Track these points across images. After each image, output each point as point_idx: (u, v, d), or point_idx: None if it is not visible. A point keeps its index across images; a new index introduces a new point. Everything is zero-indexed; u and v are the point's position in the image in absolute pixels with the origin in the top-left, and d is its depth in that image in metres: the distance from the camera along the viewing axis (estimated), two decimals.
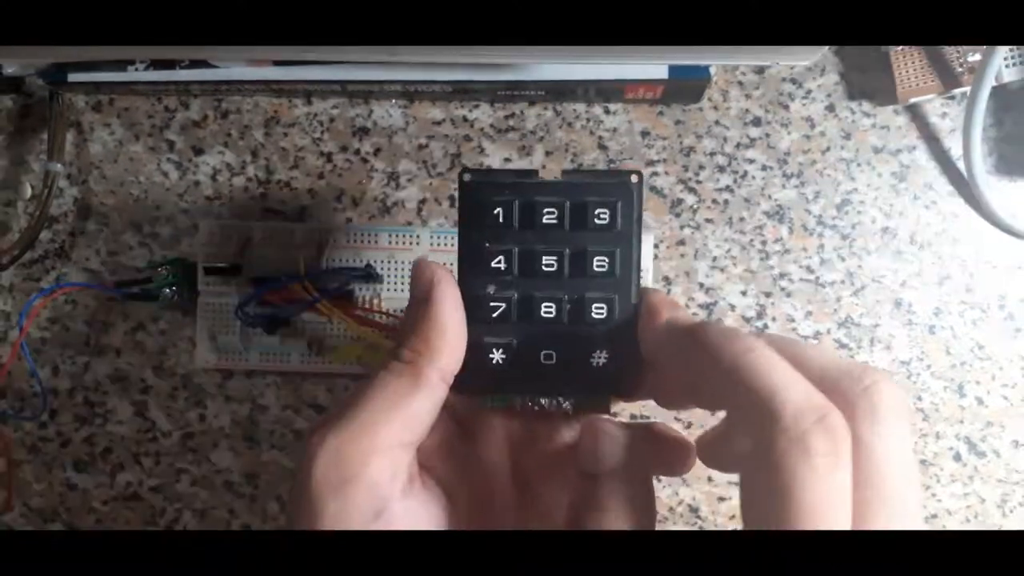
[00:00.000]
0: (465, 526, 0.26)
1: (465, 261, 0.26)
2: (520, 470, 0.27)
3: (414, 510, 0.24)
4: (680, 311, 0.25)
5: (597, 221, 0.26)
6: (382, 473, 0.23)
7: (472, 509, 0.26)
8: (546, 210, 0.26)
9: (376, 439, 0.23)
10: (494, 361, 0.26)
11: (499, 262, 0.26)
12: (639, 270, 0.26)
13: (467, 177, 0.26)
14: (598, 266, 0.26)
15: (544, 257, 0.26)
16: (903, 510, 0.20)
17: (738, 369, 0.20)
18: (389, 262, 0.36)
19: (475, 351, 0.26)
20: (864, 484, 0.19)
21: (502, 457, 0.27)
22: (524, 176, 0.26)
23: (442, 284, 0.25)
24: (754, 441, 0.20)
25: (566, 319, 0.26)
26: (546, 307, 0.26)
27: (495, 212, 0.26)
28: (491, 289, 0.26)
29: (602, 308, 0.26)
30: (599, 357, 0.26)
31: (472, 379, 0.26)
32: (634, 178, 0.26)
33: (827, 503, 0.19)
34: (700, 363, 0.22)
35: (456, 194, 0.37)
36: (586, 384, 0.26)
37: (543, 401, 0.27)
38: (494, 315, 0.26)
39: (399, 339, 0.25)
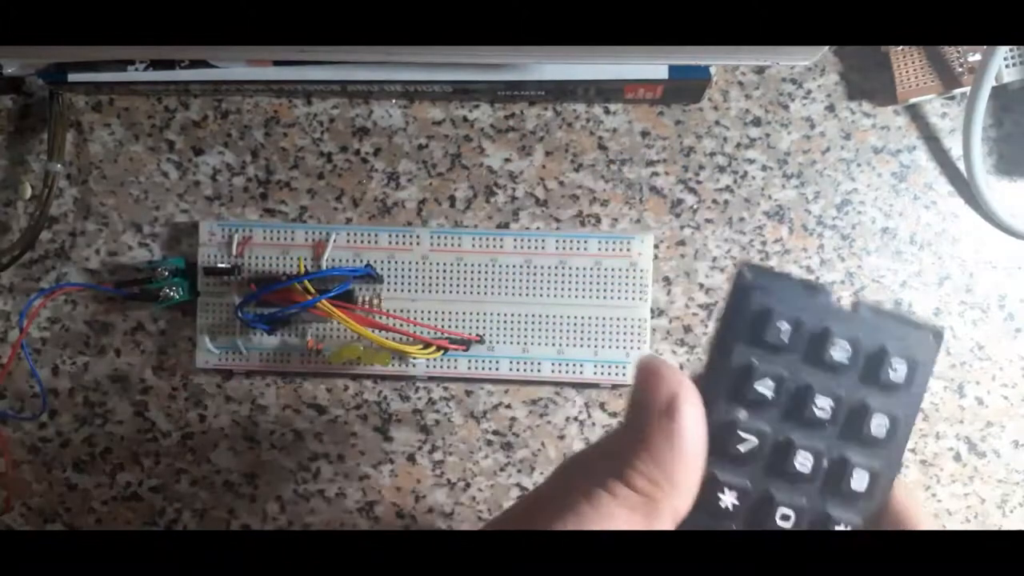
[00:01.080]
0: None
1: (719, 373, 0.21)
2: None
3: None
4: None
5: (891, 376, 0.21)
6: None
7: None
8: (839, 342, 0.21)
9: None
10: (723, 505, 0.21)
11: (765, 387, 0.21)
12: (904, 448, 0.22)
13: (749, 275, 0.21)
14: (876, 429, 0.21)
15: (818, 397, 0.21)
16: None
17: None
18: (389, 262, 0.36)
19: (704, 485, 0.21)
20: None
21: None
22: (816, 293, 0.21)
23: (689, 403, 0.20)
24: None
25: (819, 479, 0.21)
26: (802, 459, 0.21)
27: (780, 328, 0.21)
28: (743, 416, 0.21)
29: (863, 477, 0.21)
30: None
31: (690, 518, 0.21)
32: (933, 337, 0.21)
33: None
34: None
35: (456, 194, 0.37)
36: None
37: None
38: (739, 448, 0.21)
39: (627, 457, 0.20)
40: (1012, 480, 0.37)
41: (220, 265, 0.36)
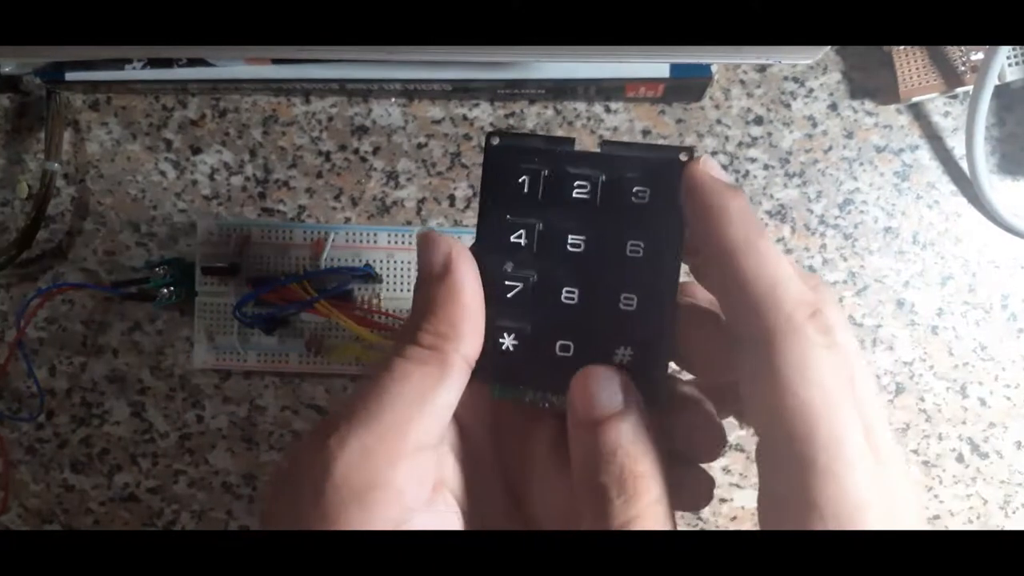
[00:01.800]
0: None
1: (482, 233, 0.23)
2: (511, 477, 0.25)
3: (434, 525, 0.22)
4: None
5: (634, 200, 0.23)
6: (409, 479, 0.21)
7: (471, 520, 0.24)
8: (577, 183, 0.23)
9: (405, 440, 0.20)
10: (504, 347, 0.23)
11: (519, 237, 0.23)
12: (680, 262, 0.23)
13: (495, 140, 0.23)
14: (631, 251, 0.23)
15: (571, 236, 0.23)
16: (872, 384, 0.21)
17: (746, 253, 0.21)
18: (388, 262, 0.36)
19: (486, 334, 0.23)
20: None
21: (490, 458, 0.25)
22: (557, 144, 0.23)
23: (461, 258, 0.22)
24: (753, 327, 0.20)
25: (589, 307, 0.23)
26: (568, 292, 0.23)
27: (520, 181, 0.23)
28: (508, 267, 0.23)
29: (631, 299, 0.23)
30: (623, 354, 0.23)
31: (479, 365, 0.23)
32: (683, 155, 0.22)
33: (830, 379, 0.19)
34: (714, 229, 0.21)
35: (455, 193, 0.37)
36: None
37: (554, 399, 0.23)
38: (509, 295, 0.23)
39: (415, 321, 0.22)
40: (1015, 481, 0.37)
41: (218, 265, 0.36)
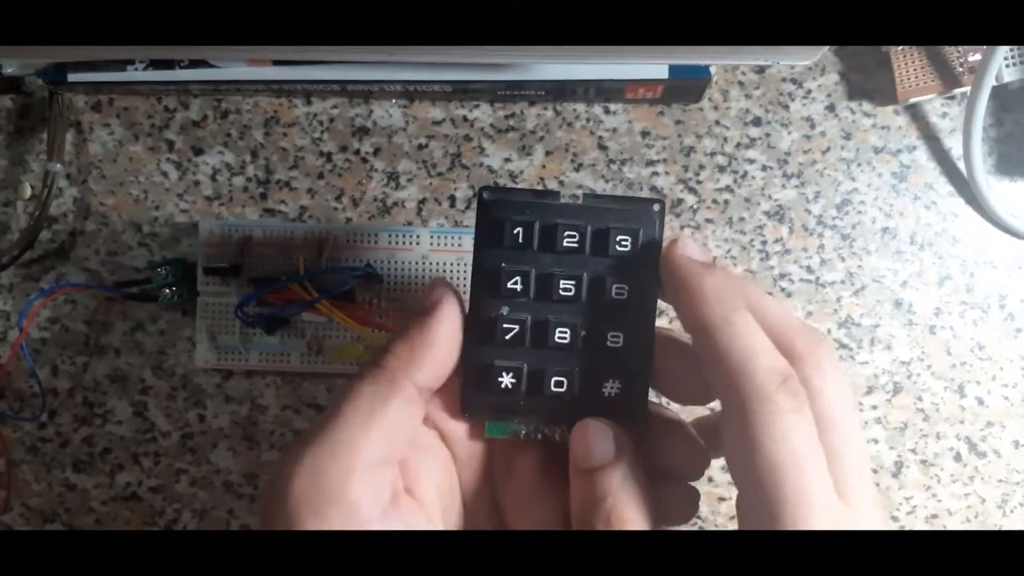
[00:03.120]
0: None
1: (479, 281, 0.26)
2: (501, 499, 0.27)
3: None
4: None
5: (618, 248, 0.25)
6: (362, 494, 0.22)
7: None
8: (567, 233, 0.25)
9: (355, 456, 0.22)
10: (503, 385, 0.25)
11: (515, 283, 0.25)
12: (657, 300, 0.26)
13: (486, 195, 0.25)
14: (616, 293, 0.25)
15: (562, 281, 0.25)
16: (852, 432, 0.23)
17: (720, 331, 0.23)
18: (389, 262, 0.36)
19: (485, 373, 0.25)
20: (820, 417, 0.22)
21: (482, 482, 0.27)
22: (544, 197, 0.25)
23: (447, 303, 0.25)
24: (730, 397, 0.22)
25: (580, 346, 0.25)
26: (560, 332, 0.25)
27: (514, 232, 0.25)
28: (505, 311, 0.25)
29: (618, 337, 0.25)
30: (611, 387, 0.25)
31: (479, 402, 0.25)
32: (656, 207, 0.25)
33: (797, 439, 0.21)
34: (691, 309, 0.24)
35: (455, 194, 0.37)
36: (596, 414, 0.25)
37: (546, 430, 0.26)
38: (506, 337, 0.25)
39: (383, 346, 0.24)
40: (1012, 480, 0.37)
41: (220, 265, 0.36)
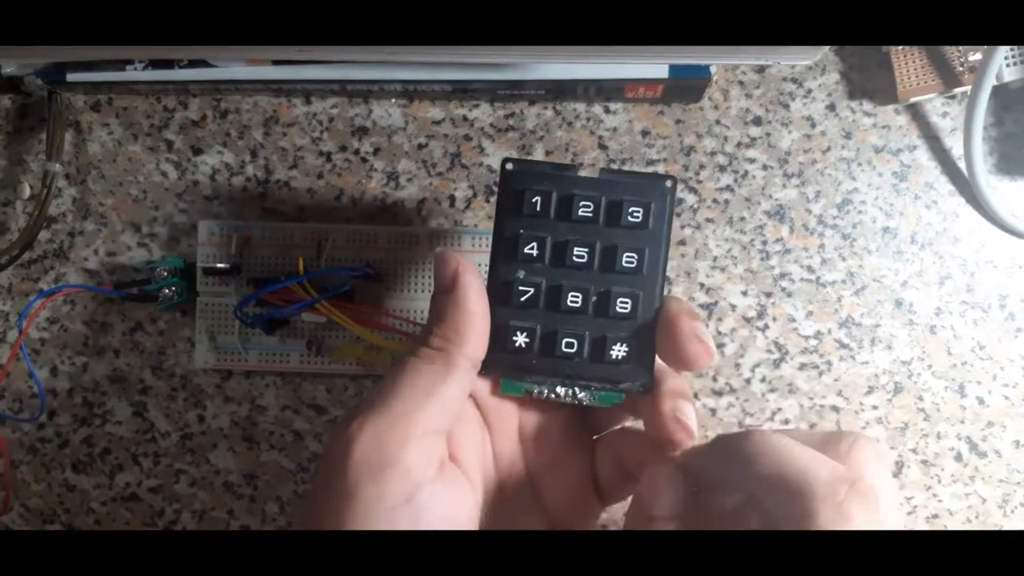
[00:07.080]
0: (484, 514, 0.27)
1: (499, 246, 0.27)
2: (530, 464, 0.29)
3: (441, 495, 0.25)
4: (697, 321, 0.27)
5: (630, 219, 0.27)
6: (417, 459, 0.24)
7: (489, 498, 0.28)
8: (582, 204, 0.27)
9: (413, 426, 0.24)
10: (517, 344, 0.27)
11: (532, 249, 0.27)
12: (665, 271, 0.27)
13: (509, 166, 0.27)
14: (627, 262, 0.27)
15: (576, 248, 0.27)
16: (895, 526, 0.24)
17: (762, 456, 0.24)
18: (389, 262, 0.36)
19: (500, 333, 0.27)
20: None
21: (514, 449, 0.29)
22: (564, 169, 0.27)
23: (466, 273, 0.26)
24: (782, 514, 0.23)
25: (591, 310, 0.27)
26: (572, 297, 0.27)
27: (533, 201, 0.27)
28: (521, 274, 0.27)
29: (626, 303, 0.27)
30: (618, 350, 0.27)
31: (494, 360, 0.27)
32: (668, 182, 0.27)
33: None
34: (731, 466, 0.25)
35: (455, 193, 0.37)
36: (602, 375, 0.27)
37: (559, 391, 0.28)
38: (522, 299, 0.27)
39: (427, 327, 0.26)
40: (1013, 480, 0.37)
41: (219, 265, 0.36)
